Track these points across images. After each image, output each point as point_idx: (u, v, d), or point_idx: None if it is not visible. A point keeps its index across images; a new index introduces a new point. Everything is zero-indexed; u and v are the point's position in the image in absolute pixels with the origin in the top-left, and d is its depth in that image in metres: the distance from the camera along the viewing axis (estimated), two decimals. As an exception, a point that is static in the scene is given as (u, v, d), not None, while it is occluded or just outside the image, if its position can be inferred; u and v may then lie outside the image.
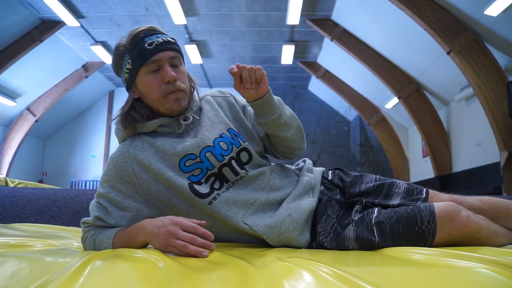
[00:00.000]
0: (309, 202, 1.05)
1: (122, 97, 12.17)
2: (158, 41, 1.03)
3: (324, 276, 0.63)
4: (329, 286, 0.60)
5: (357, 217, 1.00)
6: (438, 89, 6.62)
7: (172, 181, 1.01)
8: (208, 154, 1.04)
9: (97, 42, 7.80)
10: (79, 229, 1.43)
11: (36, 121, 8.76)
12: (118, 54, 1.07)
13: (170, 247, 0.82)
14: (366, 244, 0.95)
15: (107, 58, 8.38)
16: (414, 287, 0.60)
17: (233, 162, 1.06)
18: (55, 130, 10.80)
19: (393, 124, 8.57)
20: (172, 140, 1.07)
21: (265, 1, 6.33)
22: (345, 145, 10.34)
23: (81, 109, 10.86)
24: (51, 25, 6.88)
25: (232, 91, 1.26)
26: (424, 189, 1.11)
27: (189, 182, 1.02)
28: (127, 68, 1.05)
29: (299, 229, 1.00)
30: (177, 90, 1.05)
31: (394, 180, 1.15)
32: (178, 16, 6.41)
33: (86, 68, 8.80)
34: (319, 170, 1.23)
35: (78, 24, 6.89)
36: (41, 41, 6.86)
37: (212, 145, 1.06)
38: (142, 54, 1.02)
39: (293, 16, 6.33)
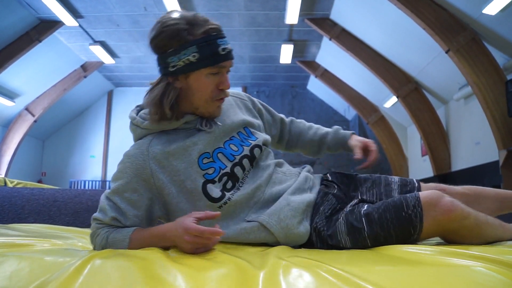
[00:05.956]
0: (308, 196, 1.09)
1: (121, 97, 12.15)
2: (228, 48, 1.03)
3: (323, 275, 0.64)
4: (329, 285, 0.60)
5: (348, 210, 1.03)
6: (437, 88, 6.63)
7: (186, 184, 1.01)
8: (219, 155, 1.07)
9: (95, 42, 7.79)
10: (79, 229, 1.43)
11: (35, 121, 8.75)
12: (180, 38, 0.99)
13: (198, 250, 0.87)
14: (357, 236, 0.97)
15: (106, 58, 8.37)
16: (413, 286, 0.60)
17: (244, 160, 1.08)
18: (54, 130, 10.78)
19: (392, 123, 8.58)
20: (193, 136, 1.07)
21: (264, 0, 6.33)
22: (344, 144, 10.33)
23: (80, 109, 10.85)
24: (50, 25, 6.87)
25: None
26: (414, 179, 1.20)
27: (204, 180, 1.02)
28: (188, 59, 0.99)
29: (298, 217, 1.01)
30: (224, 97, 1.07)
31: (385, 175, 1.25)
32: (176, 16, 6.41)
33: (85, 68, 8.79)
34: (318, 175, 1.27)
35: (77, 24, 6.88)
36: (40, 41, 6.85)
37: (222, 146, 1.08)
38: (215, 57, 1.00)
39: (292, 15, 6.33)
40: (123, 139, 10.72)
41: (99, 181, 10.48)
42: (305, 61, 8.74)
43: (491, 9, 4.35)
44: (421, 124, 6.75)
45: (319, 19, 6.80)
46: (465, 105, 6.04)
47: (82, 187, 10.22)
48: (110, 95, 11.00)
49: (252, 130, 1.16)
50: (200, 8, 6.54)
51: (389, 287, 0.58)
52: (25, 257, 0.71)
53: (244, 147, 1.10)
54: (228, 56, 1.03)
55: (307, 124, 1.45)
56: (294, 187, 1.09)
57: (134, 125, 1.09)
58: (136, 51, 8.37)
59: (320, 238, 1.02)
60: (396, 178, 1.22)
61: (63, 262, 0.69)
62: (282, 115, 1.41)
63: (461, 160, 6.28)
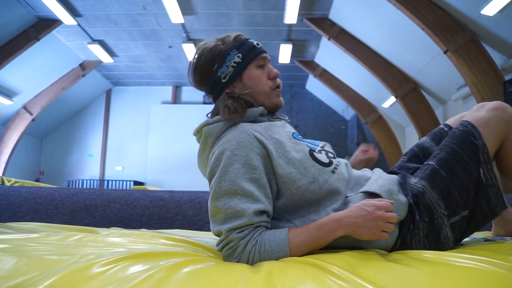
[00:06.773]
0: (392, 175, 1.12)
1: (119, 96, 12.09)
2: (259, 43, 1.13)
3: (323, 275, 0.63)
4: (328, 285, 0.60)
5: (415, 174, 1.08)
6: (435, 88, 6.64)
7: (292, 154, 0.98)
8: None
9: (94, 40, 7.78)
10: (78, 227, 1.42)
11: (33, 120, 8.73)
12: (220, 51, 1.08)
13: (382, 233, 0.86)
14: (435, 178, 0.99)
15: (104, 57, 8.36)
16: (414, 286, 0.60)
17: (327, 146, 1.13)
18: (52, 129, 10.77)
19: (390, 123, 8.59)
20: (275, 122, 1.09)
21: (263, 0, 6.33)
22: (342, 144, 10.35)
23: (78, 108, 10.84)
24: (48, 23, 6.86)
25: None
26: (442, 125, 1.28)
27: (309, 149, 1.03)
28: (235, 62, 1.08)
29: (396, 186, 1.03)
30: (279, 85, 1.14)
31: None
32: (175, 15, 6.40)
33: (83, 67, 8.78)
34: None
35: (75, 23, 6.87)
36: (38, 40, 6.84)
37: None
38: (253, 49, 1.10)
39: (291, 15, 6.33)
40: (121, 138, 10.72)
41: (97, 180, 10.47)
42: (304, 60, 8.75)
43: (489, 10, 4.37)
44: (419, 124, 6.76)
45: (318, 19, 6.81)
46: (463, 105, 6.05)
47: (80, 186, 10.21)
48: (108, 94, 10.99)
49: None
50: (199, 8, 6.53)
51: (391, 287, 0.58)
52: (21, 253, 0.71)
53: (314, 146, 1.10)
54: (263, 48, 1.13)
55: None
56: (375, 176, 1.10)
57: (212, 124, 1.03)
58: (134, 50, 8.36)
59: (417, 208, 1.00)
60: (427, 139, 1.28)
61: (59, 260, 0.69)
62: None
63: (459, 160, 6.28)
